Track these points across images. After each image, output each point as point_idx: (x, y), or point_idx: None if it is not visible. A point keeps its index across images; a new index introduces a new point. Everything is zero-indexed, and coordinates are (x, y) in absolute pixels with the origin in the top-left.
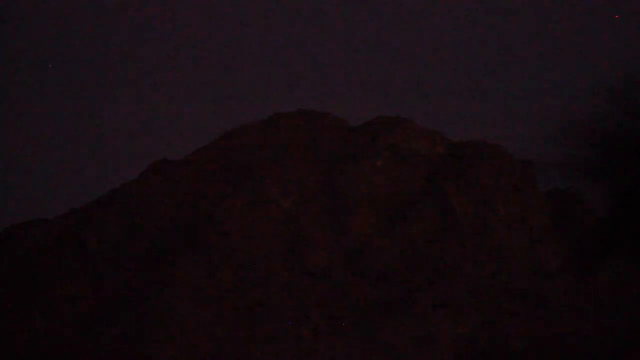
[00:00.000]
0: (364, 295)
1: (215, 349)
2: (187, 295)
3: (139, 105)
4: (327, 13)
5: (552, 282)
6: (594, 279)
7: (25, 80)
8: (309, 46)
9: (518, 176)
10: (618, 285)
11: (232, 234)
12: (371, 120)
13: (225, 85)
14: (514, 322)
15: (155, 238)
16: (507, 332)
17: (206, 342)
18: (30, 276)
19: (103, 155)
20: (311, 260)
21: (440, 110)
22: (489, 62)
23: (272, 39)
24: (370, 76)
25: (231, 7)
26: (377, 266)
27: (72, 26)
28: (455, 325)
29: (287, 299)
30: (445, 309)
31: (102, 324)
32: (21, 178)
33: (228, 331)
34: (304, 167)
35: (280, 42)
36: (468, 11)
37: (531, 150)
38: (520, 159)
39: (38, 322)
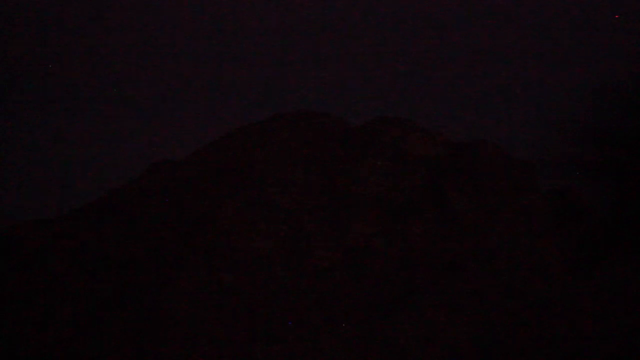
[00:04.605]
0: (364, 295)
1: (215, 349)
2: (187, 295)
3: (139, 106)
4: (326, 14)
5: (552, 282)
6: (594, 279)
7: (25, 80)
8: (310, 46)
9: (518, 176)
10: (618, 285)
11: (232, 234)
12: (371, 120)
13: (225, 85)
14: (514, 322)
15: (155, 238)
16: (507, 332)
17: (206, 342)
18: (30, 276)
19: (103, 155)
20: (311, 260)
21: (440, 110)
22: (489, 62)
23: (272, 39)
24: (370, 76)
25: (231, 8)
26: (377, 266)
27: (72, 26)
28: (455, 325)
29: (287, 299)
30: (445, 309)
31: (102, 324)
32: (21, 178)
33: (228, 331)
34: (304, 167)
35: (281, 42)
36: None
37: (531, 150)
38: (520, 159)
39: (38, 322)
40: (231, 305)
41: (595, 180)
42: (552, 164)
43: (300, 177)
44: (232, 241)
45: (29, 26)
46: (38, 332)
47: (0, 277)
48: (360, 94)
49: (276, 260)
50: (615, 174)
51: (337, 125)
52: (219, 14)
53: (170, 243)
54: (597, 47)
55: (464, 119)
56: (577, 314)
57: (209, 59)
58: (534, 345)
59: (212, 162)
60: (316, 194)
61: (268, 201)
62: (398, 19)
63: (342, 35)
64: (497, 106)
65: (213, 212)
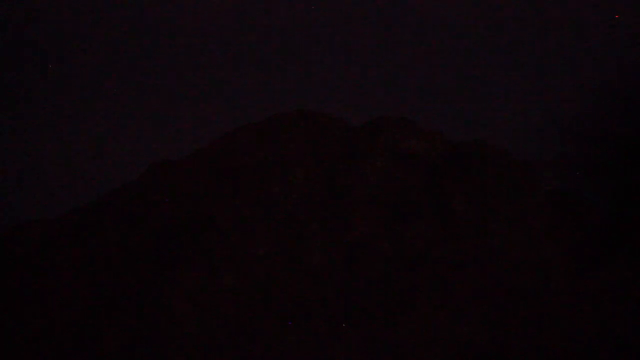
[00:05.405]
0: (364, 295)
1: (215, 349)
2: (187, 295)
3: (139, 106)
4: (326, 14)
5: (552, 282)
6: (594, 279)
7: (25, 80)
8: (310, 46)
9: (518, 176)
10: (618, 285)
11: (232, 234)
12: (371, 120)
13: (225, 85)
14: (514, 322)
15: (156, 238)
16: (507, 332)
17: (206, 342)
18: (30, 276)
19: (103, 155)
20: (311, 260)
21: (440, 110)
22: (489, 62)
23: (272, 39)
24: (370, 76)
25: (231, 8)
26: (377, 266)
27: (72, 26)
28: (455, 325)
29: (287, 299)
30: (445, 309)
31: (102, 324)
32: (21, 178)
33: (228, 331)
34: (304, 167)
35: (280, 42)
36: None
37: (531, 150)
38: (520, 159)
39: (38, 321)
40: (231, 305)
41: (595, 180)
42: (552, 164)
43: (301, 177)
44: (232, 241)
45: (29, 26)
46: (38, 332)
47: (0, 277)
48: (360, 94)
49: (276, 260)
50: (615, 174)
51: (337, 125)
52: (219, 14)
53: (170, 243)
54: (597, 47)
55: (464, 119)
56: (577, 313)
57: (209, 59)
58: (534, 345)
59: (212, 162)
60: (316, 194)
61: (268, 201)
62: (398, 19)
63: (342, 35)
64: (497, 106)
65: (213, 212)
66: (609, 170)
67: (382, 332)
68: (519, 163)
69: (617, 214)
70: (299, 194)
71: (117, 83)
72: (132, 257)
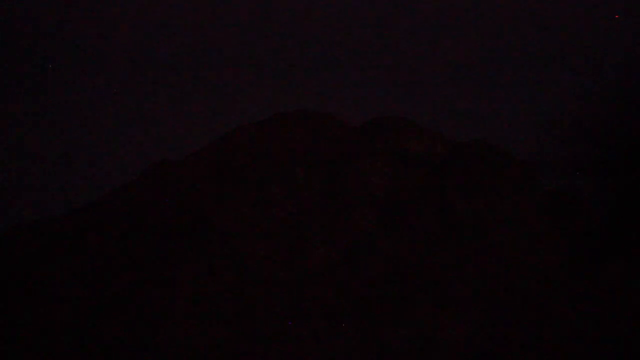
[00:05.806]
0: (364, 295)
1: (215, 349)
2: (187, 295)
3: (139, 105)
4: (327, 13)
5: (552, 282)
6: (594, 279)
7: (25, 81)
8: (310, 46)
9: (518, 176)
10: (618, 285)
11: (232, 234)
12: (371, 120)
13: (225, 85)
14: (514, 322)
15: (155, 238)
16: (507, 332)
17: (206, 342)
18: (31, 276)
19: (103, 155)
20: (311, 260)
21: (440, 110)
22: (489, 62)
23: (272, 39)
24: (370, 76)
25: (232, 7)
26: (377, 266)
27: (72, 26)
28: (455, 325)
29: (287, 299)
30: (445, 309)
31: (102, 324)
32: (21, 178)
33: (228, 331)
34: (304, 166)
35: (281, 42)
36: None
37: (531, 150)
38: (520, 159)
39: (38, 321)
40: (231, 305)
41: (595, 180)
42: (552, 164)
43: (301, 176)
44: (232, 241)
45: (29, 26)
46: (38, 332)
47: (1, 278)
48: (360, 94)
49: (276, 260)
50: (615, 174)
51: (337, 125)
52: (219, 15)
53: (171, 243)
54: (597, 47)
55: (464, 119)
56: (577, 313)
57: (209, 59)
58: (534, 345)
59: (212, 162)
60: (316, 194)
61: (268, 201)
62: (398, 20)
63: (343, 35)
64: (497, 106)
65: (213, 212)
66: (609, 170)
67: (382, 332)
68: (519, 163)
69: (617, 214)
70: (299, 194)
71: (118, 83)
72: (132, 257)
